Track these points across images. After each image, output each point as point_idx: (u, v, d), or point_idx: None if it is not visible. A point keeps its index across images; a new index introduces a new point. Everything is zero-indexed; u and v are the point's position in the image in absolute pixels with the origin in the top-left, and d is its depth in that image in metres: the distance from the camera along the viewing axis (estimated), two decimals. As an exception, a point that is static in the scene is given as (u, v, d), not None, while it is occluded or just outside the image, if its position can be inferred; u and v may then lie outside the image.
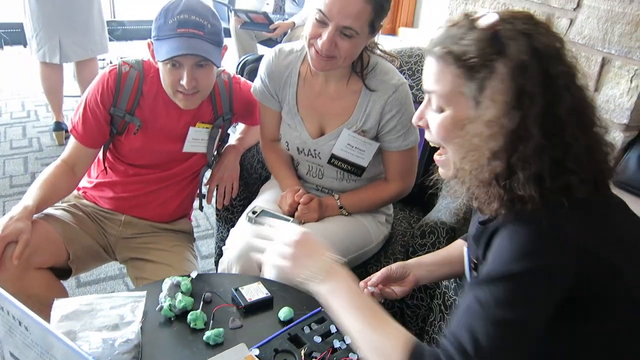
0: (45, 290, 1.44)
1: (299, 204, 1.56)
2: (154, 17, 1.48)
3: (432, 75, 0.92)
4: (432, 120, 0.95)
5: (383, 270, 1.23)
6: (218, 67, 1.51)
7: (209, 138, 1.67)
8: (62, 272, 1.57)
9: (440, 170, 1.02)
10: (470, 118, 0.88)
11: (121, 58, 1.60)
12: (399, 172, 1.61)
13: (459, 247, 1.23)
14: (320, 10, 1.33)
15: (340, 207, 1.62)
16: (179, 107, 1.58)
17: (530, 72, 0.82)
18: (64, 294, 1.55)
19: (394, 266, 1.23)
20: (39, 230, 1.45)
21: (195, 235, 2.64)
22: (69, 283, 2.19)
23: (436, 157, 1.01)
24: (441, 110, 0.93)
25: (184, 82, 1.44)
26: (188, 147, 1.65)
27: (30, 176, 3.09)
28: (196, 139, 1.65)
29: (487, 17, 0.87)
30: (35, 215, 1.46)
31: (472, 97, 0.88)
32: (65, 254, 1.53)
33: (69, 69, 3.62)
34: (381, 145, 1.58)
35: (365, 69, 1.50)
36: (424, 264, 1.27)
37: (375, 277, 1.24)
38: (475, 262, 1.04)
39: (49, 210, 1.56)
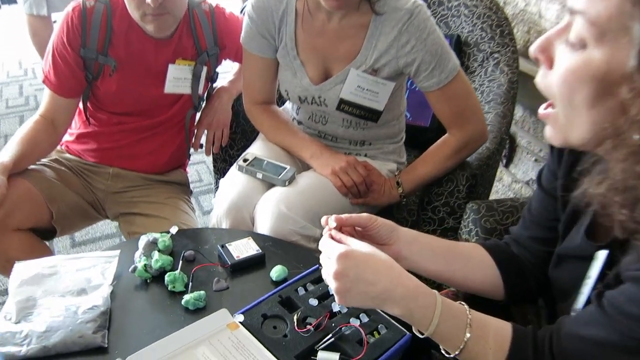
0: (27, 252, 1.35)
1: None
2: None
3: None
4: (562, 57, 0.64)
5: (364, 216, 0.89)
6: None
7: (193, 77, 1.53)
8: (47, 233, 1.49)
9: (546, 128, 0.72)
10: (630, 79, 0.57)
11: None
12: (453, 114, 1.38)
13: (474, 249, 0.97)
14: None
15: (398, 184, 1.43)
16: (156, 41, 1.46)
17: None
18: (49, 255, 1.44)
19: (382, 222, 0.90)
20: (17, 187, 1.36)
21: (198, 189, 2.56)
22: (63, 244, 2.10)
23: (541, 110, 0.71)
24: (582, 46, 0.61)
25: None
26: (170, 88, 1.52)
27: (27, 134, 3.00)
28: (178, 78, 1.51)
29: None
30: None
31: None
32: (47, 213, 1.45)
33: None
34: (420, 88, 1.37)
35: None
36: (418, 243, 0.93)
37: (350, 218, 0.88)
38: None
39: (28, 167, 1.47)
